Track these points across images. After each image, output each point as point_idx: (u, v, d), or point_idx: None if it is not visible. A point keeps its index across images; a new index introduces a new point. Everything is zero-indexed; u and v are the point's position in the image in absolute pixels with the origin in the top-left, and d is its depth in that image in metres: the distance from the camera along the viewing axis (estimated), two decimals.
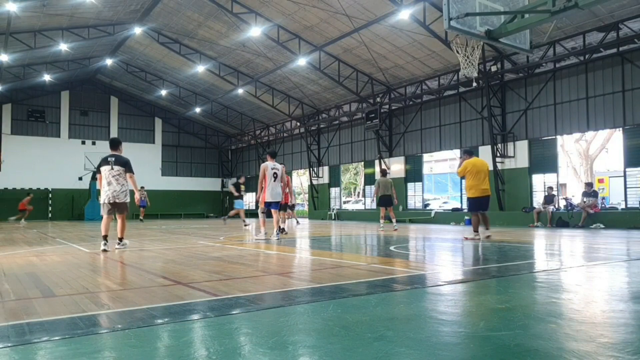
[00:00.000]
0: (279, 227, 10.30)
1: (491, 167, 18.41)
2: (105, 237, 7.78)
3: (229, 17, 19.73)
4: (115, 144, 8.17)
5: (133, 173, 8.05)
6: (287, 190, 12.95)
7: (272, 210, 9.93)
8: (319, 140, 29.13)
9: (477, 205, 9.79)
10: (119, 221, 7.97)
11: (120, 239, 8.02)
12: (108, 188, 7.80)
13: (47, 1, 17.37)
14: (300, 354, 2.29)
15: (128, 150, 33.49)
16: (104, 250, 7.57)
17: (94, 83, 33.01)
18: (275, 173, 9.93)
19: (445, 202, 34.24)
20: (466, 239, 9.61)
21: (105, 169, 7.84)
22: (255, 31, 19.66)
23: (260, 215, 9.90)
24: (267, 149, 11.56)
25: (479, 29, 7.41)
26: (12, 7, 16.13)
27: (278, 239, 9.63)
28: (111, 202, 7.78)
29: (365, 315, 3.10)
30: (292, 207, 19.88)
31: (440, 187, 47.86)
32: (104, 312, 3.17)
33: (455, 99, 20.78)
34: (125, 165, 7.94)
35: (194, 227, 16.92)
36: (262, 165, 9.96)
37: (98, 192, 30.06)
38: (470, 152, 10.40)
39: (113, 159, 7.92)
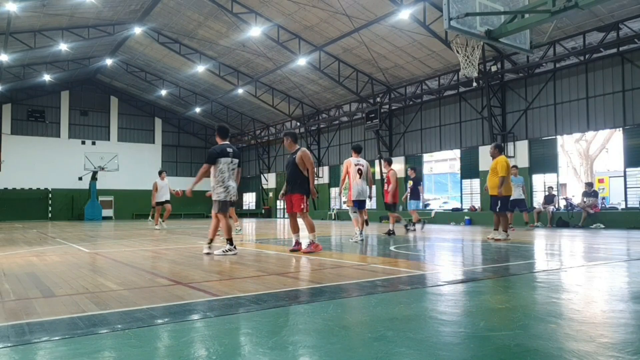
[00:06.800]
0: (362, 227, 9.54)
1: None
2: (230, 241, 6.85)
3: (229, 17, 19.73)
4: (226, 133, 7.09)
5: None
6: (390, 188, 11.74)
7: (358, 210, 9.28)
8: (319, 140, 29.12)
9: (509, 204, 9.76)
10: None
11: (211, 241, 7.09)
12: (230, 183, 6.85)
13: (47, 1, 17.38)
14: (300, 354, 2.29)
15: (128, 150, 33.51)
16: (232, 253, 6.72)
17: (94, 83, 33.02)
18: (359, 169, 9.20)
19: (445, 202, 34.24)
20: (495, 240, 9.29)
21: (225, 162, 6.80)
22: (255, 31, 19.66)
23: (352, 215, 9.34)
24: (352, 144, 10.45)
25: (479, 29, 7.41)
26: (12, 7, 16.13)
27: (362, 240, 8.96)
28: (232, 199, 6.89)
29: (365, 315, 3.10)
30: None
31: (440, 187, 47.86)
32: (104, 312, 3.16)
33: (455, 99, 20.78)
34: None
35: (194, 227, 16.93)
36: (345, 162, 9.30)
37: (98, 193, 29.84)
38: (502, 147, 10.07)
39: (231, 150, 6.90)
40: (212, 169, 6.84)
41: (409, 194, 14.04)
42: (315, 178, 28.13)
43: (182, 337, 2.58)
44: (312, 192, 7.09)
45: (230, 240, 6.83)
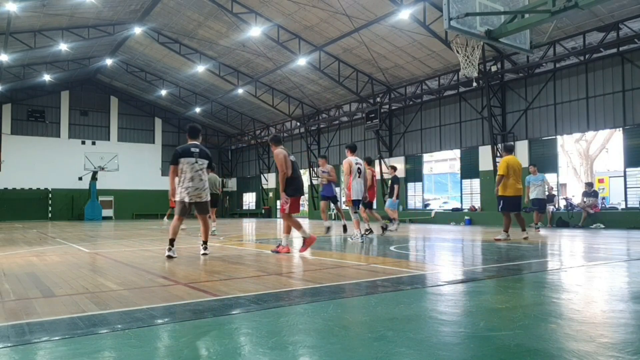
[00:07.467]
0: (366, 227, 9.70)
1: (491, 167, 18.42)
2: (172, 241, 6.67)
3: (229, 17, 19.73)
4: (195, 133, 6.98)
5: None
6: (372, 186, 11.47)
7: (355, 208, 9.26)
8: (319, 140, 29.11)
9: (512, 204, 9.48)
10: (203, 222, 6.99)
11: (205, 242, 7.05)
12: (190, 184, 6.70)
13: (47, 1, 17.38)
14: (300, 354, 2.29)
15: (128, 150, 33.47)
16: (170, 257, 6.52)
17: (94, 83, 33.02)
18: (359, 168, 9.30)
19: (445, 202, 34.23)
20: (497, 240, 9.19)
21: (187, 162, 6.67)
22: (255, 31, 19.66)
23: (353, 216, 9.22)
24: (347, 144, 10.41)
25: (479, 29, 7.41)
26: (12, 7, 16.13)
27: (362, 241, 8.85)
28: (192, 201, 6.74)
29: (365, 315, 3.10)
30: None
31: (440, 187, 47.85)
32: (104, 312, 3.16)
33: (455, 99, 20.78)
34: (209, 158, 6.97)
35: (194, 227, 16.91)
36: (345, 161, 9.30)
37: (98, 193, 29.81)
38: (509, 148, 10.00)
39: (197, 150, 6.78)
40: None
41: (388, 193, 13.94)
42: (315, 178, 28.24)
43: (182, 337, 2.58)
44: (282, 196, 6.85)
45: (171, 241, 6.59)
